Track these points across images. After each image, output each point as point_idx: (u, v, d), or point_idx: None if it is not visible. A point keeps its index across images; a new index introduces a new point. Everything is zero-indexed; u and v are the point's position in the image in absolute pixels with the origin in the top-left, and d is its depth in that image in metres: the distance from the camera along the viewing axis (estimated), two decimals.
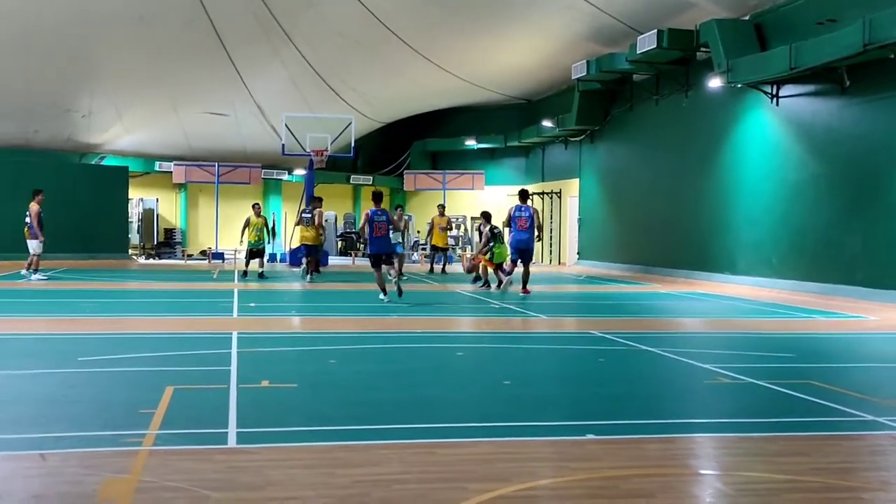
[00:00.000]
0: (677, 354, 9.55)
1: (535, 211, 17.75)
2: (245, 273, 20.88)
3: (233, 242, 30.53)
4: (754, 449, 5.68)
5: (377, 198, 16.07)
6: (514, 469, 5.04)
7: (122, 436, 5.57)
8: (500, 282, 18.37)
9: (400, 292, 15.61)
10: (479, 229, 20.24)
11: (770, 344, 10.94)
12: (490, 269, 18.85)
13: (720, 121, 21.73)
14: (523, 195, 17.96)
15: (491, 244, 18.41)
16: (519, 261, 17.55)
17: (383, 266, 15.74)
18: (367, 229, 15.48)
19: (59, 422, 6.01)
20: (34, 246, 19.46)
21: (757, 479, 4.98)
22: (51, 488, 4.55)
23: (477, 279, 19.50)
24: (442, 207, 24.14)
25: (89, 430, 5.78)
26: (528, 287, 17.19)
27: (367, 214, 15.64)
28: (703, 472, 5.20)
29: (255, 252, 20.99)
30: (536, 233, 17.35)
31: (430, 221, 24.31)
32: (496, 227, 18.83)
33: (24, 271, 19.56)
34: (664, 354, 9.60)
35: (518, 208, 17.27)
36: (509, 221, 17.42)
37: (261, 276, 20.82)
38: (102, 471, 4.84)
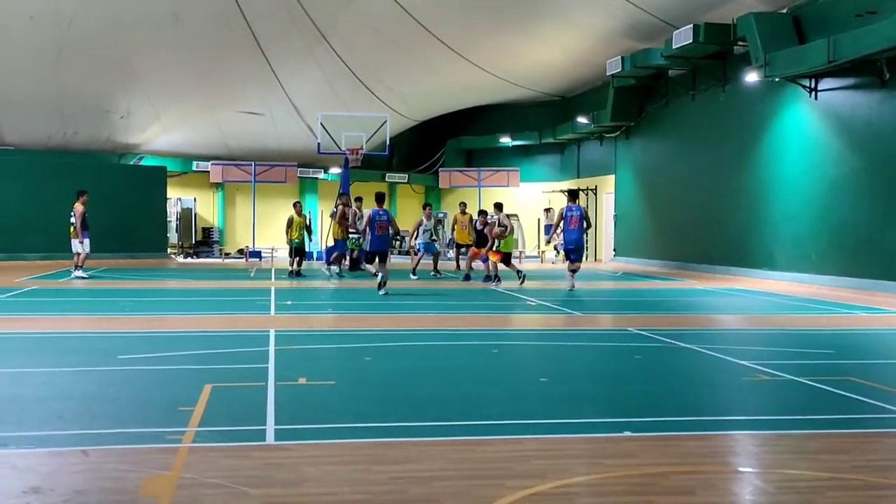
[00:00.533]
0: (715, 351, 9.48)
1: (585, 210, 18.48)
2: (295, 272, 21.02)
3: (269, 241, 30.81)
4: (794, 446, 5.62)
5: (380, 199, 17.52)
6: (551, 466, 5.04)
7: (163, 433, 5.64)
8: (497, 275, 18.83)
9: (380, 286, 16.16)
10: (485, 222, 19.89)
11: (810, 340, 10.82)
12: (495, 261, 18.80)
13: (758, 115, 21.51)
14: (573, 195, 18.69)
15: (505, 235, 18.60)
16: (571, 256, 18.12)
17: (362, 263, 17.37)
18: (368, 228, 16.88)
19: (101, 419, 6.10)
20: (79, 245, 19.78)
21: (798, 476, 4.93)
22: (93, 484, 4.62)
23: (486, 278, 19.44)
24: (464, 205, 24.09)
25: (130, 427, 5.85)
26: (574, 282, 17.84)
27: (369, 214, 16.97)
28: (742, 469, 5.16)
29: (296, 250, 21.30)
30: (585, 227, 17.95)
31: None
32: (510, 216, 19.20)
33: (74, 271, 19.84)
34: (702, 351, 9.53)
35: (569, 208, 17.85)
36: (560, 221, 18.06)
37: (298, 273, 21.03)
38: (143, 467, 4.91)
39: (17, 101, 27.05)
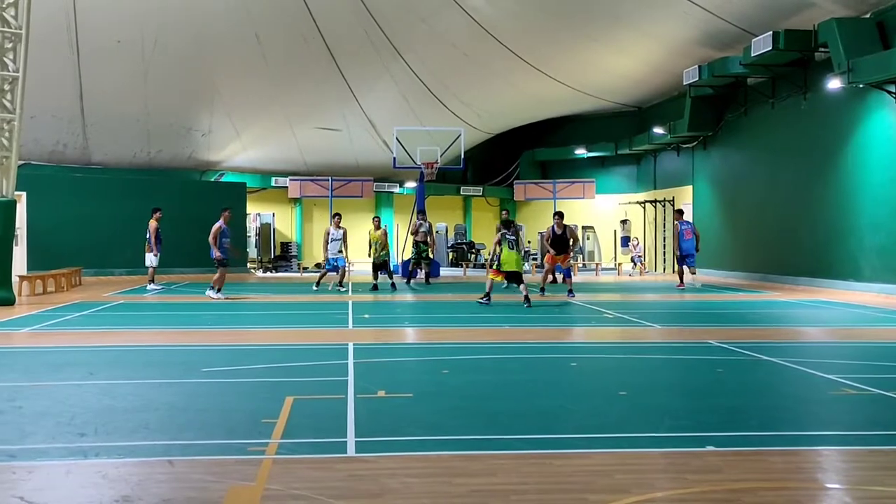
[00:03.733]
0: (799, 364, 9.26)
1: (693, 224, 22.72)
2: (375, 286, 21.08)
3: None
4: (885, 462, 5.46)
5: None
6: (633, 480, 4.98)
7: (246, 444, 5.75)
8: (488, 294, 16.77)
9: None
10: (563, 225, 19.23)
11: None
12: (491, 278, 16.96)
13: (841, 123, 21.00)
14: (680, 213, 22.94)
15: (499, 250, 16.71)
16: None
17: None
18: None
19: (186, 430, 6.24)
20: (150, 259, 20.81)
21: (888, 493, 4.79)
22: (179, 493, 4.73)
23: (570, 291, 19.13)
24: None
25: (214, 439, 5.98)
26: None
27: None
28: (830, 486, 5.03)
29: (379, 265, 21.47)
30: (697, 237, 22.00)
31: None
32: (508, 232, 16.72)
33: (148, 286, 20.75)
34: (786, 365, 9.32)
35: (682, 223, 22.02)
36: (678, 235, 21.90)
37: (391, 286, 21.16)
38: (228, 478, 5.00)
39: (105, 121, 27.94)
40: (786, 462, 5.43)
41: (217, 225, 18.40)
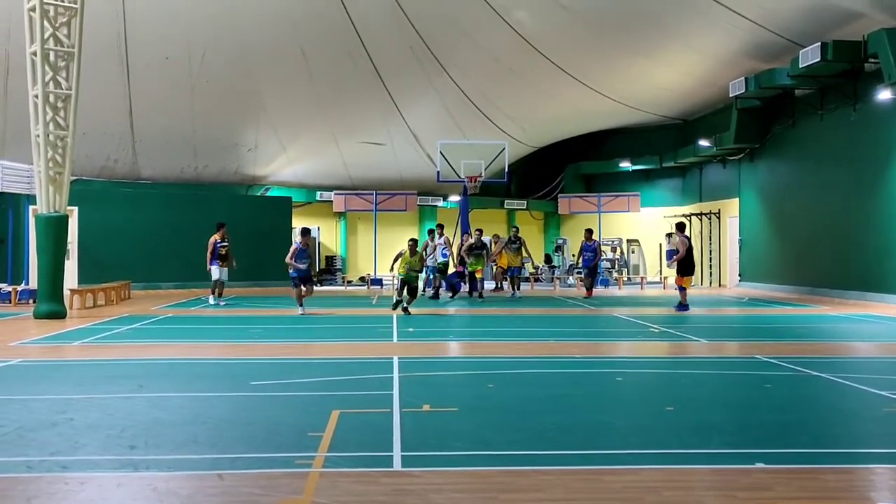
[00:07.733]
0: (850, 380, 9.11)
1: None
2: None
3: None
4: None
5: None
6: (682, 497, 4.94)
7: (294, 458, 5.79)
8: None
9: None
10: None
11: None
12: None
13: (892, 134, 20.66)
14: (590, 233, 24.96)
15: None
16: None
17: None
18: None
19: (235, 443, 6.30)
20: (215, 273, 20.96)
21: None
22: None
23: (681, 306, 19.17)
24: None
25: (262, 452, 6.02)
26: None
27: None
28: None
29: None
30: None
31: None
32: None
33: (211, 298, 20.94)
34: (836, 380, 9.17)
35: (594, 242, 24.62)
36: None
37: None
38: (276, 491, 5.04)
39: (154, 137, 28.39)
40: (839, 480, 5.34)
41: (295, 246, 19.39)
